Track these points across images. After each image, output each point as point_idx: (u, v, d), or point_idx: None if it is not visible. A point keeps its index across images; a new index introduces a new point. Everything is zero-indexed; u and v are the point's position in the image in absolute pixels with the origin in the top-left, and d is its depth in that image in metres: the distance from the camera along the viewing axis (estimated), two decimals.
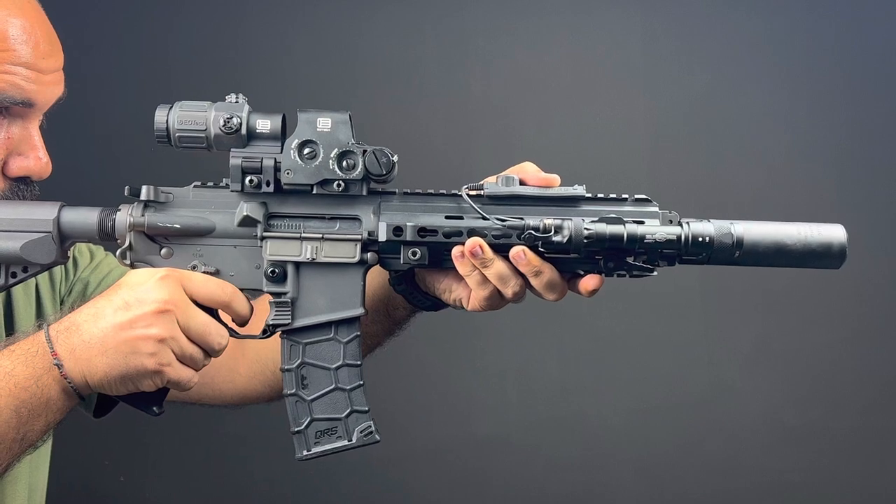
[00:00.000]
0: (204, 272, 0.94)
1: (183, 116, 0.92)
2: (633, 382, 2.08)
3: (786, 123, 2.07)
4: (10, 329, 1.08)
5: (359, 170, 0.92)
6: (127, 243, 0.95)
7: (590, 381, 2.09)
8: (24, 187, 0.99)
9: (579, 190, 0.94)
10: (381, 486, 2.07)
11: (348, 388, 0.96)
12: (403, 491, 2.09)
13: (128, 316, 0.87)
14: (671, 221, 0.94)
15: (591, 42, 2.09)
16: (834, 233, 0.93)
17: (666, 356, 2.07)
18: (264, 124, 0.93)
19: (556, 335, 2.08)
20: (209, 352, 0.92)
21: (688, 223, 0.93)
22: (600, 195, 0.95)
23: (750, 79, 2.07)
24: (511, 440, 2.10)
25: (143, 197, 0.94)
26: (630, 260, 0.93)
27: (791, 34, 2.07)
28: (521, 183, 0.95)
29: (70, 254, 0.98)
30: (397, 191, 0.97)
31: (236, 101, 0.93)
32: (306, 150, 0.92)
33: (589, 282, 0.94)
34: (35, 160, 0.98)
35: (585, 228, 0.91)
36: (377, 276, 1.04)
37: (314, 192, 0.94)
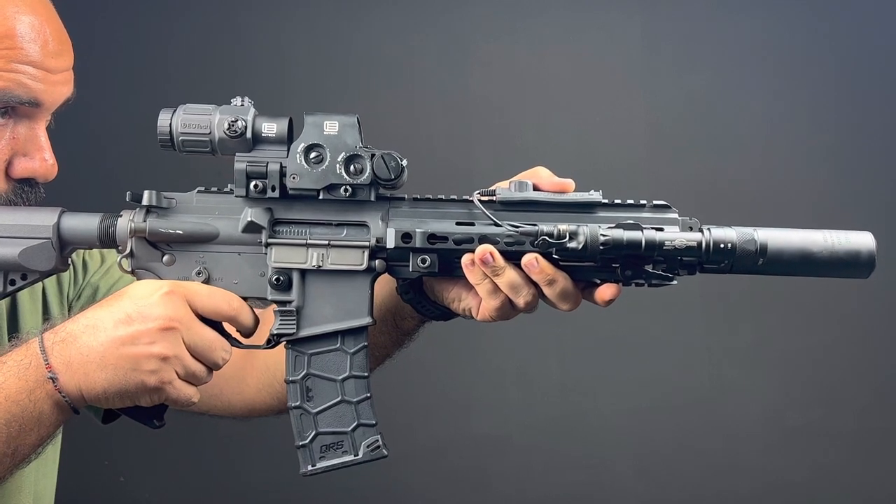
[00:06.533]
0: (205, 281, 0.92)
1: (187, 120, 0.89)
2: (633, 382, 2.08)
3: (785, 123, 2.07)
4: (15, 336, 1.05)
5: (367, 174, 0.89)
6: (128, 250, 0.92)
7: (590, 381, 2.08)
8: (28, 189, 0.96)
9: (595, 195, 0.91)
10: (382, 486, 2.05)
11: (355, 400, 0.93)
12: (403, 491, 2.08)
13: (129, 331, 0.84)
14: (691, 228, 0.90)
15: (591, 42, 2.08)
16: (862, 240, 0.88)
17: (666, 356, 2.07)
18: (270, 128, 0.90)
19: (556, 335, 2.07)
20: (212, 367, 0.89)
21: (708, 229, 0.89)
22: (617, 201, 0.92)
23: (749, 79, 2.07)
24: (511, 440, 2.09)
25: (144, 202, 0.91)
26: (648, 268, 0.89)
27: (791, 34, 2.06)
28: (535, 188, 0.91)
29: (70, 261, 0.96)
30: (406, 196, 0.93)
31: (241, 105, 0.90)
32: (313, 154, 0.89)
33: (605, 291, 0.90)
34: (40, 161, 0.96)
35: (601, 235, 0.87)
36: (385, 285, 1.00)
37: (321, 197, 0.91)
